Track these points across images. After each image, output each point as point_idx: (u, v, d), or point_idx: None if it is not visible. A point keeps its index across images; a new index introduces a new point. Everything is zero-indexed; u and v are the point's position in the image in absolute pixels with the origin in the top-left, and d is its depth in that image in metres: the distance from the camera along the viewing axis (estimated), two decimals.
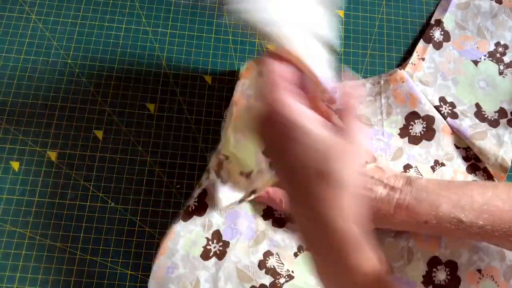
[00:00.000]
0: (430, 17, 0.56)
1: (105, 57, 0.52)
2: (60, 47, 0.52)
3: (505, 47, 0.55)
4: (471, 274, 0.45)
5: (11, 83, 0.50)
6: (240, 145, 0.47)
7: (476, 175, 0.49)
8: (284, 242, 0.45)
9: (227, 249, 0.45)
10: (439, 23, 0.56)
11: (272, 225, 0.45)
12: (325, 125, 0.31)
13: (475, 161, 0.50)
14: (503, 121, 0.51)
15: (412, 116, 0.50)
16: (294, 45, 0.32)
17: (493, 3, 0.56)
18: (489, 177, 0.49)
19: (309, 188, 0.30)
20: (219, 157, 0.46)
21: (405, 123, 0.50)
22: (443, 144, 0.50)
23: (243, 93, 0.49)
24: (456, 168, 0.49)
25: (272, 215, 0.46)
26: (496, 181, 0.49)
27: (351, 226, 0.30)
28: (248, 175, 0.46)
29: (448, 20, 0.56)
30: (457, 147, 0.50)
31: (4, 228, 0.45)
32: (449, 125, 0.50)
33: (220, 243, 0.45)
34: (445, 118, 0.50)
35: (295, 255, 0.45)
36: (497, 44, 0.55)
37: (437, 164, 0.49)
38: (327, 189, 0.30)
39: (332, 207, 0.30)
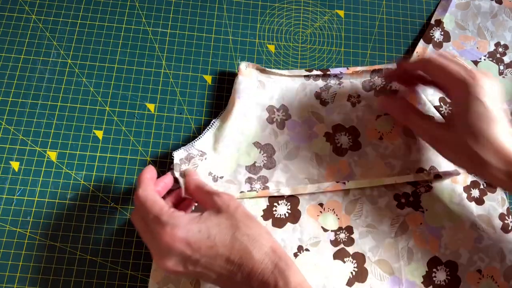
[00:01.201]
0: (430, 17, 0.56)
1: (105, 57, 0.52)
2: (60, 47, 0.52)
3: (505, 47, 0.55)
4: (471, 275, 0.45)
5: (11, 83, 0.50)
6: (224, 148, 0.47)
7: (476, 175, 0.49)
8: (284, 242, 0.45)
9: None
10: (439, 23, 0.55)
11: (272, 225, 0.45)
12: None
13: None
14: None
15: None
16: None
17: (493, 3, 0.56)
18: None
19: None
20: (192, 151, 0.45)
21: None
22: None
23: (237, 90, 0.48)
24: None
25: (272, 215, 0.46)
26: None
27: None
28: (216, 178, 0.46)
29: (448, 20, 0.56)
30: None
31: (4, 228, 0.45)
32: None
33: None
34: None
35: (295, 255, 0.44)
36: (497, 44, 0.55)
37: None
38: None
39: None
